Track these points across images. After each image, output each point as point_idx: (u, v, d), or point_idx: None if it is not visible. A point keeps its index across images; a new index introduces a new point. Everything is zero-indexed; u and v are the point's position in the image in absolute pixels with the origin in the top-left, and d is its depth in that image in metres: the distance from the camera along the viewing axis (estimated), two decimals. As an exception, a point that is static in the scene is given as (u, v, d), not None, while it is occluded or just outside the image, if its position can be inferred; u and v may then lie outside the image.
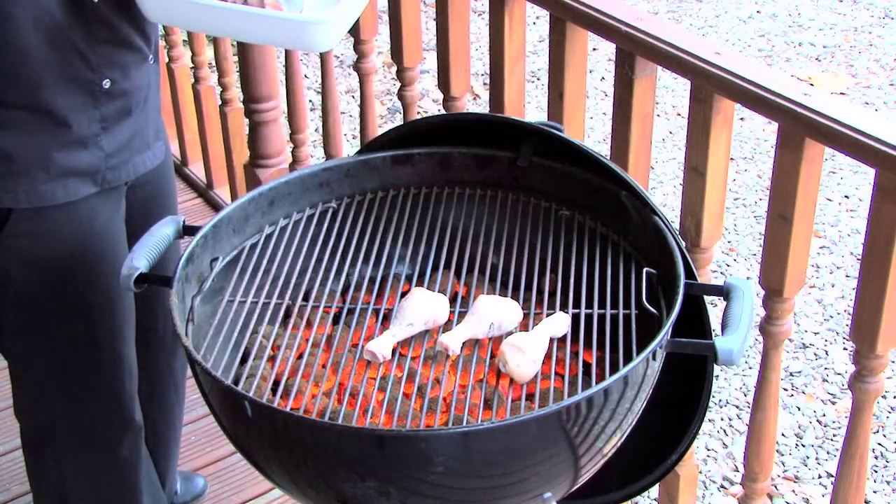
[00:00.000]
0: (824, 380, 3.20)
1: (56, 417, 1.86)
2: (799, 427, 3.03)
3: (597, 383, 1.34)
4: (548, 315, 1.56)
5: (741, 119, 4.45)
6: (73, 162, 1.65)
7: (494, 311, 1.53)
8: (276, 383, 1.51)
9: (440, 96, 2.43)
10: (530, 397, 1.47)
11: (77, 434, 1.89)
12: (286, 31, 1.60)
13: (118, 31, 1.66)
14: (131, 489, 1.98)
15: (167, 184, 1.95)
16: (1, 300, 1.74)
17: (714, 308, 3.00)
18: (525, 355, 1.45)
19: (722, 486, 2.84)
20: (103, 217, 1.74)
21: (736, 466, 2.88)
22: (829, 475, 2.84)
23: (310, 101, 4.46)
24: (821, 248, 3.78)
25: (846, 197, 4.07)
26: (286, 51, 2.89)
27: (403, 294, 1.67)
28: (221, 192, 3.43)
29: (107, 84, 1.66)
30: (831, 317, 3.46)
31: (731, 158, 4.14)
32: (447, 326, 1.55)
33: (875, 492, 2.83)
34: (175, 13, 1.59)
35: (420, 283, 1.69)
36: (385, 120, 4.52)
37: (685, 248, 1.70)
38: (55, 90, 1.60)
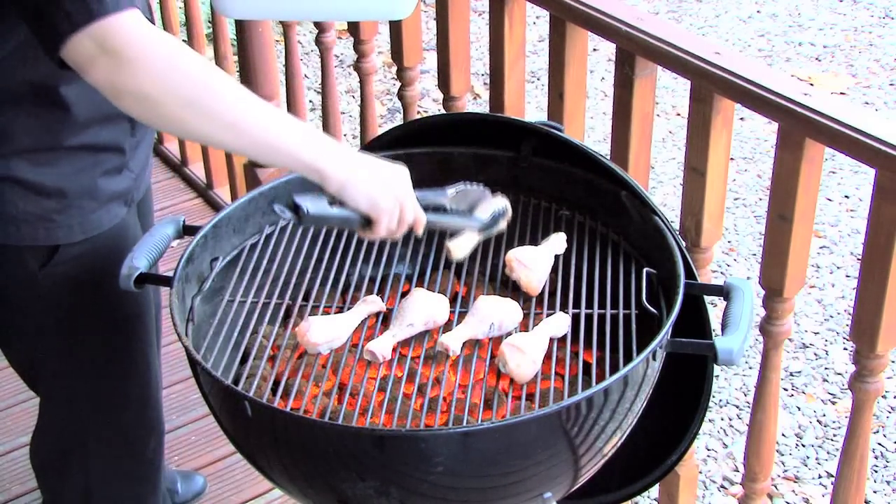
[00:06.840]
0: (824, 380, 3.20)
1: (87, 429, 1.86)
2: (799, 427, 3.03)
3: (597, 383, 1.34)
4: (548, 315, 1.56)
5: (741, 119, 4.45)
6: (114, 187, 1.65)
7: (494, 311, 1.53)
8: (276, 383, 1.51)
9: (440, 96, 2.43)
10: (530, 397, 1.47)
11: (108, 443, 1.89)
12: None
13: None
14: (154, 490, 1.99)
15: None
16: (42, 326, 1.73)
17: (714, 308, 3.00)
18: (525, 355, 1.45)
19: (722, 486, 2.84)
20: (133, 232, 1.74)
21: (736, 466, 2.88)
22: (829, 475, 2.84)
23: (310, 101, 4.46)
24: (821, 248, 3.78)
25: (846, 197, 4.07)
26: (286, 51, 2.88)
27: (403, 294, 1.67)
28: (221, 192, 3.43)
29: None
30: (831, 317, 3.46)
31: (731, 158, 4.13)
32: (447, 326, 1.56)
33: (875, 492, 2.83)
34: (259, 4, 1.58)
35: (420, 283, 1.69)
36: (385, 120, 4.51)
37: (685, 248, 1.70)
38: (107, 125, 1.60)
